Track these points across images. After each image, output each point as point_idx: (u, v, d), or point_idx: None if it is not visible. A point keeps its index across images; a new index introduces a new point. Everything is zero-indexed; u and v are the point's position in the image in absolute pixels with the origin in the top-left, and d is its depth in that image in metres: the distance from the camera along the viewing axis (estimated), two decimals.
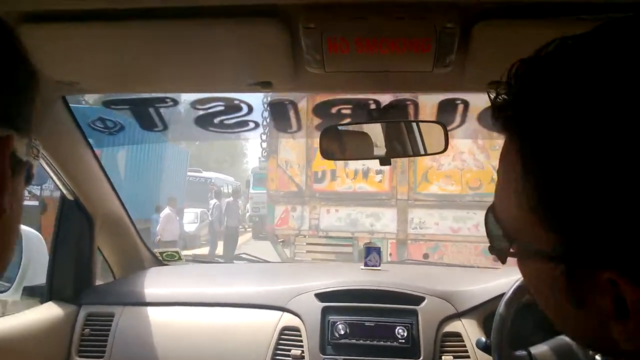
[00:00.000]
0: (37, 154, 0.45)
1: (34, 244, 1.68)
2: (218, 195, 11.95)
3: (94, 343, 1.36)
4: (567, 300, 0.38)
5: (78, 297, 1.45)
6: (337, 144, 1.12)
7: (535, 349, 1.14)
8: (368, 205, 7.05)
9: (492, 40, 0.75)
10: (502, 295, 1.33)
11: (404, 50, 0.73)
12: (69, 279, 1.47)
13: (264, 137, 7.54)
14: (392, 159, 1.14)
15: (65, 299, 1.44)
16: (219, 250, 10.96)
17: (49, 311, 1.36)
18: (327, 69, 0.80)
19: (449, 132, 1.10)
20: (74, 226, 1.47)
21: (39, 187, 6.93)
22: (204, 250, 11.91)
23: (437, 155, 6.71)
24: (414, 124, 1.14)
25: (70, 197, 1.43)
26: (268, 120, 7.10)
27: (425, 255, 6.71)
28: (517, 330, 1.24)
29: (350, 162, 6.96)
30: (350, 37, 0.72)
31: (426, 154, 1.19)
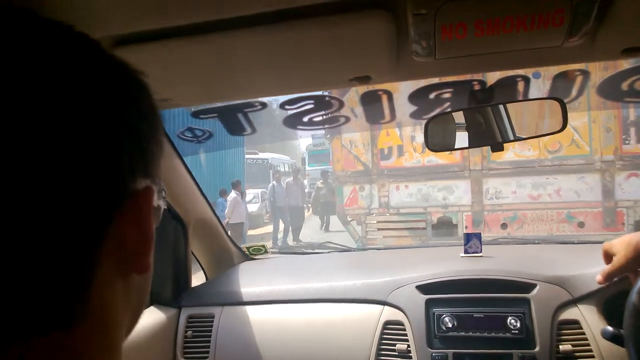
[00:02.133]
0: (165, 195, 0.42)
1: None
2: (277, 178, 12.10)
3: (198, 344, 1.40)
4: None
5: (178, 300, 1.50)
6: (444, 133, 1.04)
7: None
8: (439, 179, 6.84)
9: (633, 2, 0.64)
10: (623, 277, 1.22)
11: (531, 27, 0.63)
12: (168, 283, 1.51)
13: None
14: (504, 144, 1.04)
15: (166, 302, 1.49)
16: (281, 229, 11.26)
17: (152, 315, 1.41)
18: (437, 56, 0.72)
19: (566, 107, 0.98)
20: (169, 233, 1.51)
21: None
22: (268, 229, 12.26)
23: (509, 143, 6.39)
24: (526, 103, 1.03)
25: (163, 206, 1.47)
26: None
27: (504, 225, 6.44)
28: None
29: (418, 135, 6.77)
30: (468, 21, 0.63)
31: (542, 135, 1.08)
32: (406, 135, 7.00)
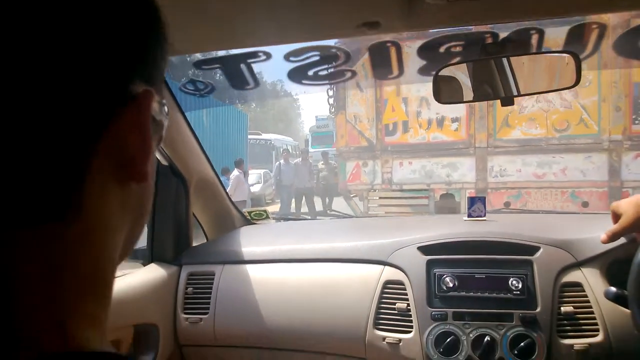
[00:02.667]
0: (167, 113, 0.42)
1: None
2: (285, 157, 12.05)
3: (198, 300, 1.40)
4: None
5: (178, 258, 1.50)
6: (453, 86, 1.00)
7: None
8: (444, 156, 6.80)
9: None
10: (628, 242, 1.21)
11: None
12: (169, 241, 1.51)
13: (330, 92, 7.44)
14: (514, 99, 1.01)
15: (167, 260, 1.49)
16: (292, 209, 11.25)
17: (153, 272, 1.41)
18: None
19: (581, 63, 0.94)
20: (170, 191, 1.50)
21: None
22: (272, 209, 12.23)
23: (519, 98, 6.32)
24: (538, 57, 1.00)
25: (164, 162, 1.45)
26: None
27: (507, 204, 6.42)
28: None
29: (423, 111, 6.70)
30: None
31: (554, 90, 1.05)
32: (412, 110, 6.93)
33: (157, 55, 0.38)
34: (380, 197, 7.37)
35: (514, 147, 6.51)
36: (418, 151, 6.92)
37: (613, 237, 1.17)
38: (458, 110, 6.71)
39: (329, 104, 7.59)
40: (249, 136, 16.96)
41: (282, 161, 11.81)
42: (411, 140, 6.97)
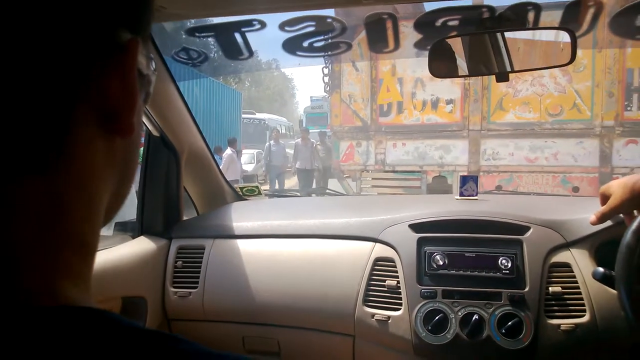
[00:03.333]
0: (155, 69, 0.40)
1: None
2: (275, 138, 11.91)
3: (187, 274, 1.40)
4: None
5: (168, 232, 1.48)
6: (448, 60, 0.99)
7: None
8: (437, 138, 6.80)
9: None
10: (617, 224, 1.21)
11: None
12: (159, 214, 1.50)
13: (325, 70, 7.37)
14: (509, 75, 0.99)
15: (157, 233, 1.47)
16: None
17: (142, 245, 1.40)
18: None
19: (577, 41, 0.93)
20: (161, 162, 1.48)
21: None
22: (264, 188, 12.15)
23: (513, 81, 6.31)
24: (536, 32, 0.98)
25: (156, 133, 1.43)
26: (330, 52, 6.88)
27: (498, 187, 6.46)
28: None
29: (418, 92, 6.67)
30: None
31: (549, 67, 1.03)
32: (407, 91, 6.89)
33: (145, 4, 0.37)
34: (373, 178, 7.38)
35: (507, 131, 6.52)
36: (412, 132, 6.91)
37: (602, 218, 1.17)
38: (453, 92, 6.69)
39: (324, 82, 7.52)
40: (243, 115, 16.83)
41: (272, 142, 11.60)
42: (405, 122, 6.95)
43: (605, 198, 1.17)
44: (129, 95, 0.34)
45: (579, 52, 5.92)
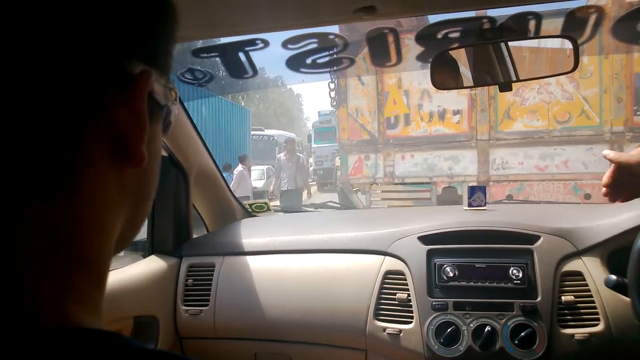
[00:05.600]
0: (176, 99, 0.41)
1: None
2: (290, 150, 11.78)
3: (198, 292, 1.40)
4: None
5: (178, 250, 1.49)
6: (450, 71, 1.00)
7: None
8: (445, 149, 6.78)
9: None
10: (629, 230, 1.20)
11: None
12: (169, 233, 1.51)
13: (332, 85, 7.42)
14: (512, 84, 1.00)
15: (167, 252, 1.49)
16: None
17: (152, 264, 1.41)
18: None
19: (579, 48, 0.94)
20: (170, 182, 1.50)
21: None
22: (274, 204, 12.14)
23: (520, 90, 6.29)
24: (538, 41, 0.99)
25: (164, 152, 1.45)
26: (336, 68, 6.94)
27: (509, 197, 6.40)
28: None
29: (425, 104, 6.68)
30: None
31: (552, 75, 1.04)
32: (413, 103, 6.91)
33: (161, 36, 0.37)
34: (382, 191, 7.36)
35: (515, 140, 6.48)
36: (420, 144, 6.90)
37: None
38: (460, 102, 6.69)
39: (330, 97, 7.57)
40: (252, 132, 16.99)
41: (283, 154, 11.11)
42: (413, 133, 6.95)
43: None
44: (137, 125, 0.34)
45: (585, 59, 5.91)
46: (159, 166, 0.41)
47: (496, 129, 6.52)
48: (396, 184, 7.08)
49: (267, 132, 18.85)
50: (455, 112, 6.71)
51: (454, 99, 6.63)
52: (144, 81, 0.34)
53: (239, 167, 9.78)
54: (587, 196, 6.27)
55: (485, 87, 6.35)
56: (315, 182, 15.23)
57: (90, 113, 0.32)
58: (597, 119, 6.22)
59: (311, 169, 15.76)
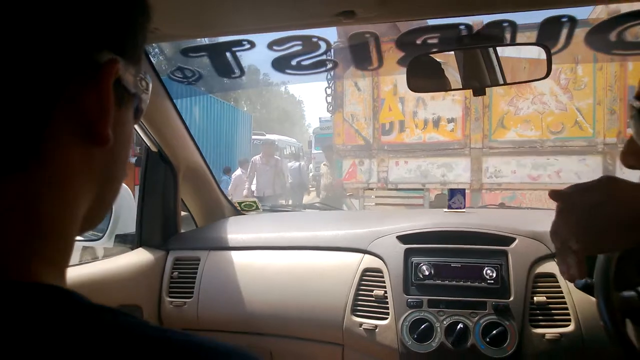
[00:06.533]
0: (147, 87, 0.44)
1: (123, 196, 1.79)
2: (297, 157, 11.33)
3: (183, 285, 1.44)
4: None
5: (166, 244, 1.53)
6: (426, 75, 1.04)
7: None
8: (439, 156, 6.83)
9: None
10: None
11: None
12: (157, 226, 1.55)
13: (328, 90, 7.48)
14: (486, 89, 1.04)
15: (154, 245, 1.52)
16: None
17: (139, 256, 1.45)
18: None
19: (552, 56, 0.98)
20: (159, 177, 1.53)
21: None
22: None
23: (514, 99, 6.36)
24: (512, 48, 1.03)
25: (154, 148, 1.48)
26: (333, 73, 7.00)
27: (502, 205, 6.44)
28: (623, 273, 1.14)
29: (420, 111, 6.74)
30: None
31: (525, 81, 1.08)
32: (408, 110, 6.97)
33: (131, 29, 0.40)
34: (376, 196, 7.40)
35: (509, 149, 6.54)
36: (414, 151, 6.95)
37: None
38: (454, 111, 6.75)
39: (327, 102, 7.62)
40: (253, 137, 17.02)
41: (258, 158, 9.07)
42: (407, 140, 7.00)
43: None
44: (103, 109, 0.37)
45: (580, 71, 5.95)
46: (129, 151, 0.44)
47: (490, 137, 6.58)
48: (390, 189, 7.13)
49: (268, 136, 18.88)
50: (450, 120, 6.76)
51: (449, 107, 6.69)
52: (110, 69, 0.37)
53: (239, 171, 9.79)
54: None
55: (480, 96, 6.41)
56: (315, 188, 15.23)
57: (58, 97, 0.35)
58: (591, 130, 6.28)
59: (310, 174, 15.77)
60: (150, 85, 0.45)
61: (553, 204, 0.73)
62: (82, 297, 0.33)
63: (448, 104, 6.65)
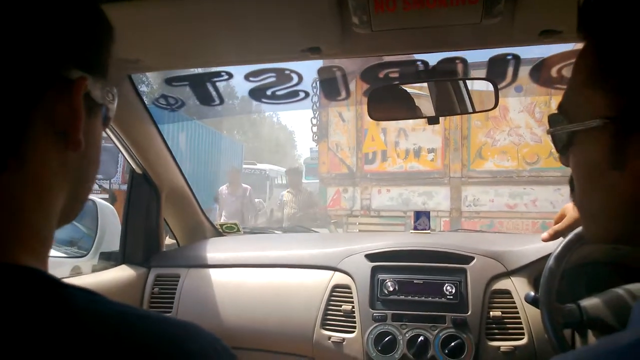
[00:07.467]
0: (113, 99, 0.49)
1: (108, 216, 1.86)
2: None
3: (163, 300, 1.51)
4: (607, 163, 0.44)
5: (148, 261, 1.60)
6: (385, 104, 1.15)
7: (586, 302, 1.13)
8: (420, 184, 7.00)
9: None
10: (551, 254, 1.34)
11: (450, 3, 0.75)
12: (140, 244, 1.62)
13: (314, 121, 7.66)
14: (442, 121, 1.15)
15: (137, 262, 1.59)
16: None
17: (122, 272, 1.52)
18: (373, 28, 0.83)
19: (499, 90, 1.11)
20: (143, 197, 1.61)
21: (108, 182, 7.04)
22: None
23: (492, 131, 6.59)
24: (463, 83, 1.16)
25: (138, 170, 1.57)
26: (318, 104, 7.20)
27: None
28: (569, 289, 1.23)
29: (401, 141, 6.94)
30: None
31: (475, 112, 1.20)
32: (391, 140, 7.17)
33: (97, 49, 0.47)
34: (359, 223, 7.49)
35: (487, 178, 6.74)
36: (396, 179, 7.12)
37: (553, 235, 1.19)
38: (434, 141, 6.97)
39: (312, 132, 7.79)
40: (244, 165, 17.06)
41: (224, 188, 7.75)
42: (389, 169, 7.18)
43: (561, 217, 1.20)
44: (74, 118, 0.44)
45: (553, 104, 6.17)
46: (99, 154, 0.49)
47: (468, 167, 6.78)
48: (372, 216, 7.24)
49: (259, 166, 18.84)
50: (430, 150, 6.97)
51: (429, 138, 6.91)
52: (80, 85, 0.44)
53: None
54: None
55: (459, 128, 6.71)
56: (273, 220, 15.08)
57: (35, 104, 0.40)
58: None
59: (253, 202, 15.52)
60: (117, 97, 0.51)
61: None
62: (56, 278, 0.39)
63: (428, 135, 6.88)
